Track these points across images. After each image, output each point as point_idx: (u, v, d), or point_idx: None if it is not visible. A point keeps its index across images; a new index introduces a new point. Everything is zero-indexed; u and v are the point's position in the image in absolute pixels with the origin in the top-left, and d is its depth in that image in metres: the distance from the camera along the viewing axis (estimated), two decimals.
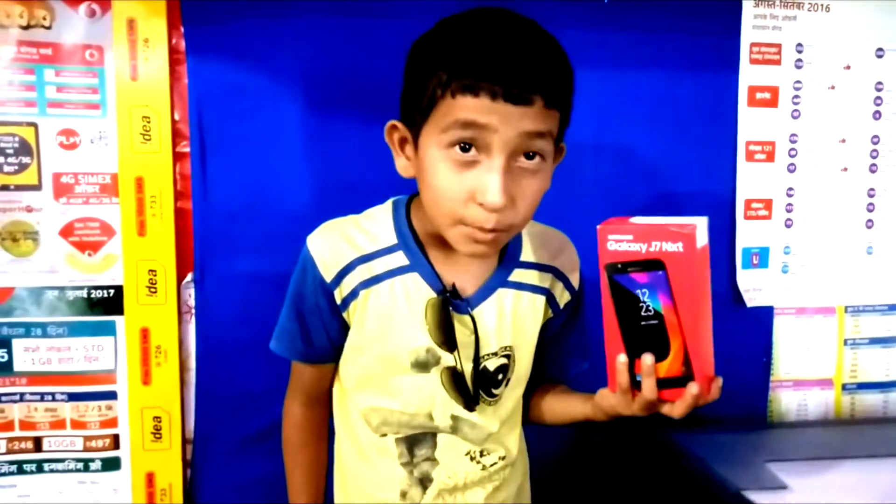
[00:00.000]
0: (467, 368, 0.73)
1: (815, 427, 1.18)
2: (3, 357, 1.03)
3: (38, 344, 1.04)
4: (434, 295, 0.72)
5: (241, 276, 1.07)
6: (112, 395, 1.06)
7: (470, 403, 0.74)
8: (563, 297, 0.80)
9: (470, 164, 0.63)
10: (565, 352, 0.84)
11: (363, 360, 0.76)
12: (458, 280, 0.74)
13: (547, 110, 0.63)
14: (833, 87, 1.20)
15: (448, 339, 0.72)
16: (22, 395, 1.05)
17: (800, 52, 1.18)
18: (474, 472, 0.77)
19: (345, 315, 0.74)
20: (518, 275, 0.76)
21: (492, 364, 0.75)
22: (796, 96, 1.19)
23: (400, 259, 0.73)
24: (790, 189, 1.21)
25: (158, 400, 1.06)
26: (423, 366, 0.74)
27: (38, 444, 1.06)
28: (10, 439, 1.05)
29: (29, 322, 1.03)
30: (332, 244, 0.74)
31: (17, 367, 1.04)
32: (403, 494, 0.77)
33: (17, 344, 1.03)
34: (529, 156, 0.64)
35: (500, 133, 0.61)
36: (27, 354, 1.04)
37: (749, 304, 1.20)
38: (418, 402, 0.75)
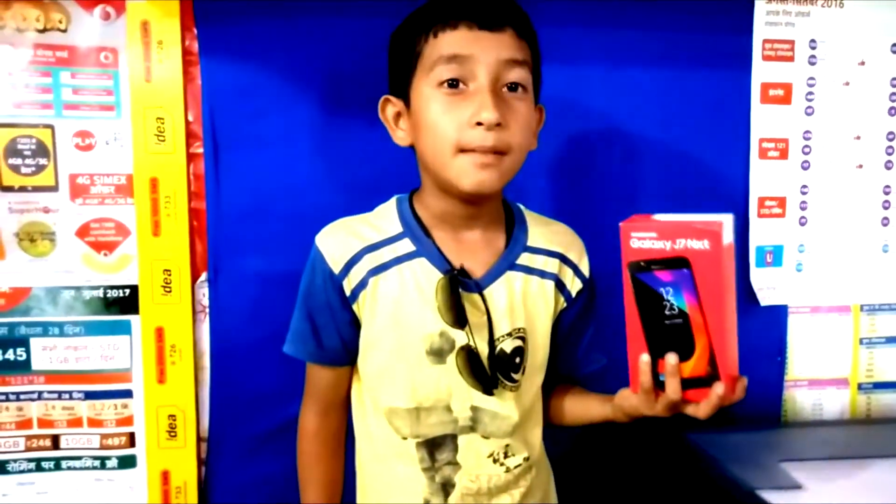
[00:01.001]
0: (482, 349, 0.74)
1: (829, 426, 1.17)
2: (21, 356, 1.05)
3: (56, 343, 1.05)
4: (441, 276, 0.73)
5: (254, 275, 1.08)
6: (128, 394, 1.08)
7: (488, 386, 0.74)
8: (574, 286, 0.80)
9: (461, 96, 0.69)
10: (583, 346, 0.84)
11: (379, 356, 0.76)
12: (465, 263, 0.75)
13: (519, 40, 0.71)
14: (847, 84, 1.19)
15: (459, 318, 0.72)
16: (40, 393, 1.06)
17: (813, 48, 1.17)
18: (498, 475, 0.77)
19: (355, 308, 0.75)
20: (525, 258, 0.78)
21: (507, 346, 0.75)
22: (810, 93, 1.18)
23: (406, 246, 0.75)
24: (804, 187, 1.20)
25: (173, 398, 1.08)
26: (438, 354, 0.74)
27: (55, 441, 1.07)
28: (29, 437, 1.06)
29: (46, 321, 1.05)
30: (339, 238, 0.76)
31: (35, 365, 1.05)
32: (427, 503, 0.77)
33: (34, 343, 1.05)
34: (512, 87, 0.71)
35: (481, 61, 0.69)
36: (45, 353, 1.05)
37: (763, 302, 1.19)
38: (436, 396, 0.75)
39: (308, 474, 0.84)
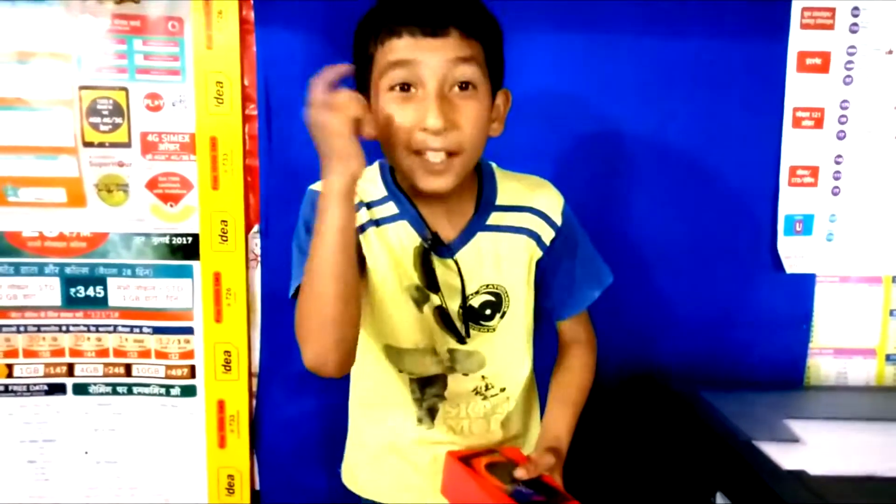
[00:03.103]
0: (453, 307, 0.82)
1: (846, 392, 1.19)
2: (100, 293, 1.19)
3: (129, 283, 1.19)
4: (420, 240, 0.81)
5: None
6: (189, 331, 1.20)
7: (460, 338, 0.83)
8: (546, 234, 0.85)
9: (411, 99, 0.73)
10: (572, 284, 0.88)
11: (374, 298, 0.84)
12: (440, 228, 0.82)
13: (466, 40, 0.72)
14: (891, 52, 1.17)
15: (431, 283, 0.81)
16: (115, 326, 1.20)
17: (856, 15, 1.16)
18: (476, 402, 0.86)
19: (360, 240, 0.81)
20: (495, 218, 0.83)
21: (476, 301, 0.83)
22: (849, 62, 1.17)
23: (391, 208, 0.82)
24: (839, 156, 1.20)
25: (228, 336, 1.20)
26: (416, 303, 0.83)
27: (128, 370, 1.21)
28: (107, 364, 1.21)
29: (121, 263, 1.18)
30: None
31: (111, 302, 1.19)
32: (420, 420, 0.87)
33: (111, 282, 1.19)
34: (462, 86, 0.73)
35: (426, 65, 0.71)
36: (119, 292, 1.19)
37: (789, 270, 1.21)
38: (422, 338, 0.84)
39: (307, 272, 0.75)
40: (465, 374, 0.86)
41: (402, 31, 0.71)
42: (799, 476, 0.81)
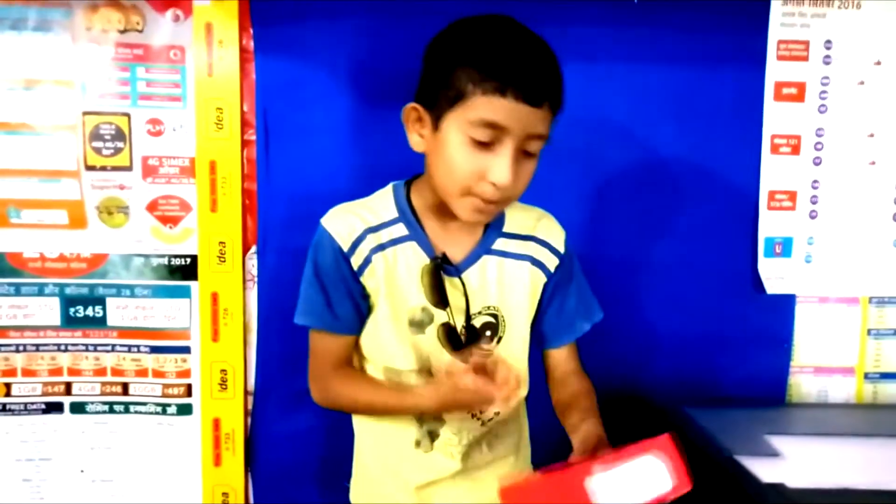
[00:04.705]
0: (459, 323, 0.85)
1: (826, 409, 1.22)
2: (99, 313, 1.21)
3: (128, 303, 1.21)
4: (428, 261, 0.84)
5: (298, 249, 1.17)
6: (186, 350, 1.23)
7: (462, 355, 0.85)
8: (550, 261, 0.90)
9: (486, 150, 0.75)
10: (567, 314, 0.92)
11: (374, 322, 0.87)
12: (448, 249, 0.86)
13: (550, 114, 0.76)
14: (862, 83, 1.23)
15: (441, 299, 0.84)
16: (113, 346, 1.22)
17: (828, 48, 1.22)
18: (475, 426, 0.89)
19: (363, 280, 0.85)
20: (501, 243, 0.88)
21: (478, 321, 0.87)
22: (823, 92, 1.23)
23: (401, 230, 0.86)
24: (815, 182, 1.25)
25: (225, 355, 1.22)
26: (419, 325, 0.86)
27: (125, 388, 1.23)
28: (104, 383, 1.23)
29: (120, 283, 1.21)
30: (344, 220, 0.86)
31: (110, 321, 1.21)
32: (418, 443, 0.89)
33: (110, 302, 1.21)
34: (527, 153, 0.77)
35: (514, 133, 0.74)
36: (118, 311, 1.21)
37: (769, 290, 1.26)
38: (418, 359, 0.87)
39: (368, 390, 0.87)
40: None
41: (507, 92, 0.73)
42: (777, 489, 0.84)
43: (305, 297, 0.88)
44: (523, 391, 0.93)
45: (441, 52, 0.79)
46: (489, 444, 0.91)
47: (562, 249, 0.91)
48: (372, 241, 0.85)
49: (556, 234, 0.91)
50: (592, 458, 0.69)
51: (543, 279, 0.90)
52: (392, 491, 0.91)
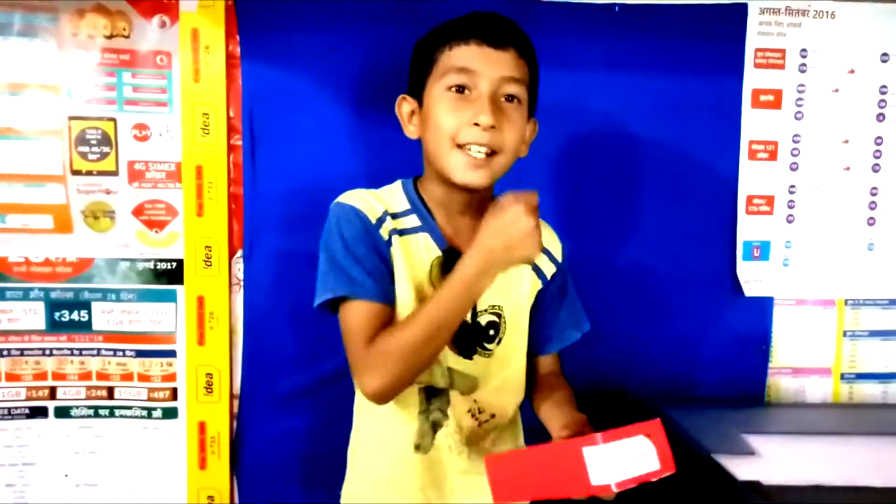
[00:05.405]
0: (466, 320, 0.86)
1: (803, 408, 1.25)
2: (84, 317, 1.21)
3: (113, 307, 1.21)
4: (440, 253, 0.86)
5: (283, 253, 1.22)
6: (172, 354, 1.23)
7: (468, 352, 0.88)
8: (548, 268, 0.93)
9: (465, 100, 0.82)
10: (559, 323, 0.95)
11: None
12: (457, 243, 0.88)
13: (519, 59, 0.84)
14: (837, 91, 1.26)
15: None
16: (99, 350, 1.22)
17: (804, 56, 1.25)
18: (473, 426, 0.90)
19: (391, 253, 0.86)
20: None
21: (483, 320, 0.89)
22: (800, 99, 1.26)
23: (413, 220, 0.88)
24: (792, 186, 1.28)
25: (210, 359, 1.23)
26: None
27: (111, 392, 1.23)
28: (89, 387, 1.23)
29: (106, 288, 1.21)
30: (364, 200, 0.88)
31: (95, 326, 1.21)
32: (417, 447, 0.89)
33: (95, 306, 1.21)
34: (509, 98, 0.84)
35: (485, 74, 0.82)
36: (104, 316, 1.21)
37: (748, 293, 1.28)
38: None
39: (412, 318, 0.80)
40: (462, 393, 0.90)
41: (471, 40, 0.82)
42: (753, 486, 0.86)
43: (338, 273, 0.83)
44: (521, 394, 0.95)
45: (421, 43, 0.89)
46: (484, 447, 0.92)
47: (560, 258, 0.94)
48: (392, 224, 0.87)
49: (555, 244, 0.95)
50: (580, 437, 0.71)
51: (540, 285, 0.93)
52: (389, 494, 0.91)
